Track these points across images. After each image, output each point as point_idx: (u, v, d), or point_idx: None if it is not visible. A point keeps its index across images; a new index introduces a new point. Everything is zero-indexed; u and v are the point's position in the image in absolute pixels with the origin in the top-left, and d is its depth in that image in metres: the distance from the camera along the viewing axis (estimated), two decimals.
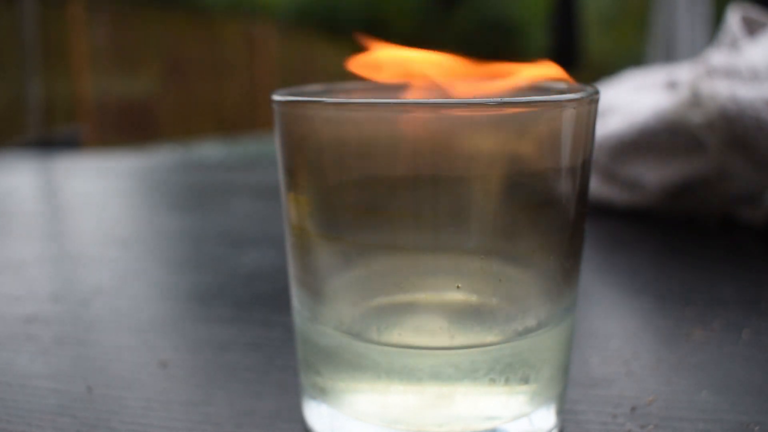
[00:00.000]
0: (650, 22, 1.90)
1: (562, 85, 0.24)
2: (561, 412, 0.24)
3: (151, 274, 0.43)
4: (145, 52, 3.37)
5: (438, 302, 0.21)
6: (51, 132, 2.26)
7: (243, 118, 3.56)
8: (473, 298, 0.21)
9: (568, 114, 0.20)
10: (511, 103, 0.19)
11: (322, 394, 0.23)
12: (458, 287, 0.21)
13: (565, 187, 0.21)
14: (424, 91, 0.24)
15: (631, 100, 0.53)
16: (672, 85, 0.53)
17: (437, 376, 0.21)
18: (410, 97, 0.24)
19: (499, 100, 0.19)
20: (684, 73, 0.53)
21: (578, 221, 0.22)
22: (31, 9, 2.36)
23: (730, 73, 0.46)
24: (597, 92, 0.22)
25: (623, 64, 0.64)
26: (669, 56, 1.73)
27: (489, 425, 0.21)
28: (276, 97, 0.22)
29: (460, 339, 0.21)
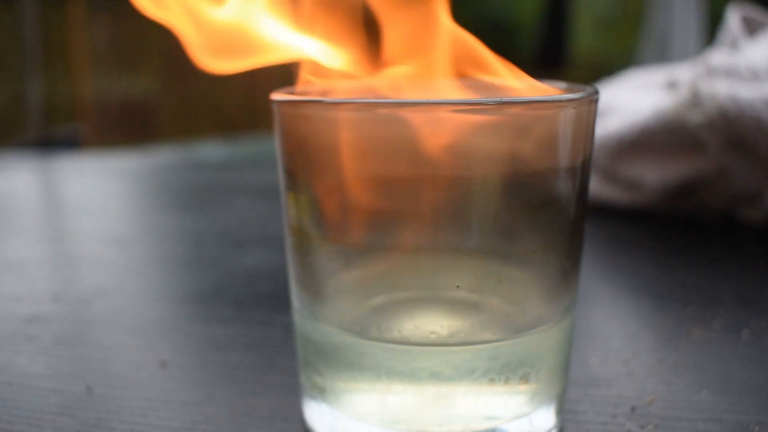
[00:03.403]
0: (645, 22, 1.90)
1: (562, 85, 0.24)
2: (561, 412, 0.24)
3: (151, 274, 0.43)
4: (145, 52, 3.37)
5: (438, 301, 0.21)
6: (51, 132, 2.26)
7: (243, 118, 3.56)
8: (473, 298, 0.21)
9: (568, 114, 0.20)
10: (511, 103, 0.19)
11: (322, 394, 0.23)
12: (458, 287, 0.21)
13: (565, 187, 0.21)
14: (424, 91, 0.24)
15: (631, 100, 0.53)
16: (672, 85, 0.53)
17: (437, 375, 0.21)
18: (410, 97, 0.24)
19: (499, 100, 0.19)
20: (684, 73, 0.53)
21: (578, 221, 0.22)
22: (31, 9, 2.36)
23: (730, 73, 0.46)
24: (597, 92, 0.22)
25: (618, 65, 0.64)
26: (663, 56, 1.73)
27: (489, 425, 0.21)
28: (276, 97, 0.22)
29: (460, 338, 0.21)
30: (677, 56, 1.67)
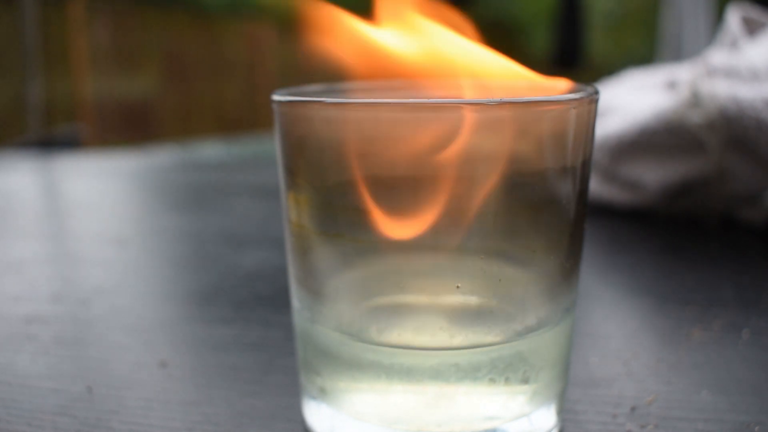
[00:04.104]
0: (658, 24, 1.90)
1: (562, 85, 0.24)
2: (561, 412, 0.24)
3: (151, 274, 0.43)
4: (145, 52, 3.37)
5: (438, 302, 0.21)
6: (51, 132, 2.26)
7: (243, 118, 3.56)
8: (473, 298, 0.21)
9: (568, 114, 0.20)
10: (511, 103, 0.19)
11: (322, 394, 0.23)
12: (458, 287, 0.21)
13: (565, 187, 0.21)
14: (424, 91, 0.24)
15: (631, 100, 0.53)
16: (672, 85, 0.53)
17: (437, 376, 0.21)
18: (410, 97, 0.24)
19: (499, 100, 0.19)
20: (684, 73, 0.53)
21: (578, 221, 0.22)
22: (32, 9, 2.36)
23: (730, 73, 0.46)
24: (597, 92, 0.22)
25: (627, 66, 0.64)
26: (678, 57, 1.73)
27: (489, 425, 0.21)
28: (276, 97, 0.22)
29: (460, 339, 0.21)
30: (691, 57, 1.67)
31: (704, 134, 0.46)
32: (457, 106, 0.19)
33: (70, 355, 0.31)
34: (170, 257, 0.48)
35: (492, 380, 0.21)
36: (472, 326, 0.21)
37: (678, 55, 1.76)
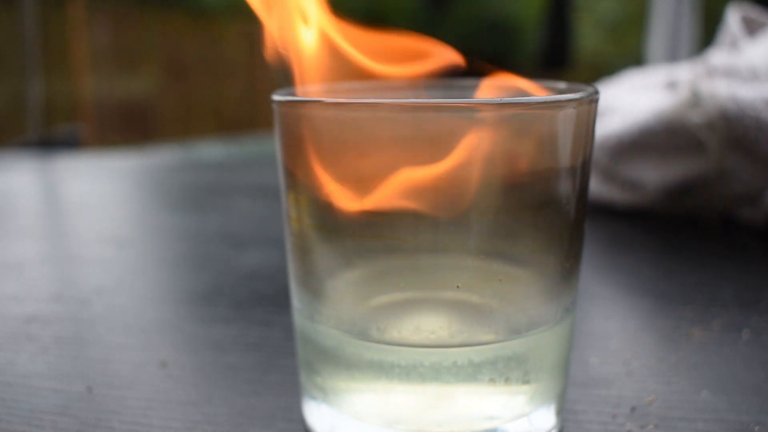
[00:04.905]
0: (649, 23, 1.90)
1: (562, 85, 0.24)
2: (561, 412, 0.24)
3: (151, 274, 0.43)
4: (145, 52, 3.37)
5: (438, 302, 0.21)
6: (51, 132, 2.26)
7: (243, 118, 3.56)
8: (473, 298, 0.21)
9: (568, 114, 0.20)
10: (510, 104, 0.19)
11: (322, 394, 0.23)
12: (458, 287, 0.21)
13: (565, 187, 0.21)
14: (424, 91, 0.24)
15: (631, 100, 0.53)
16: (672, 85, 0.53)
17: (437, 375, 0.21)
18: (410, 97, 0.24)
19: (499, 100, 0.19)
20: (684, 73, 0.53)
21: (578, 221, 0.22)
22: (32, 9, 2.35)
23: (730, 73, 0.46)
24: (597, 92, 0.22)
25: (623, 66, 0.64)
26: (671, 57, 1.73)
27: (489, 425, 0.21)
28: (276, 97, 0.22)
29: (460, 338, 0.21)
30: (685, 57, 1.67)
31: (704, 134, 0.46)
32: (457, 106, 0.19)
33: (70, 355, 0.31)
34: (170, 257, 0.48)
35: (492, 380, 0.21)
36: (472, 326, 0.21)
37: (672, 54, 1.76)
